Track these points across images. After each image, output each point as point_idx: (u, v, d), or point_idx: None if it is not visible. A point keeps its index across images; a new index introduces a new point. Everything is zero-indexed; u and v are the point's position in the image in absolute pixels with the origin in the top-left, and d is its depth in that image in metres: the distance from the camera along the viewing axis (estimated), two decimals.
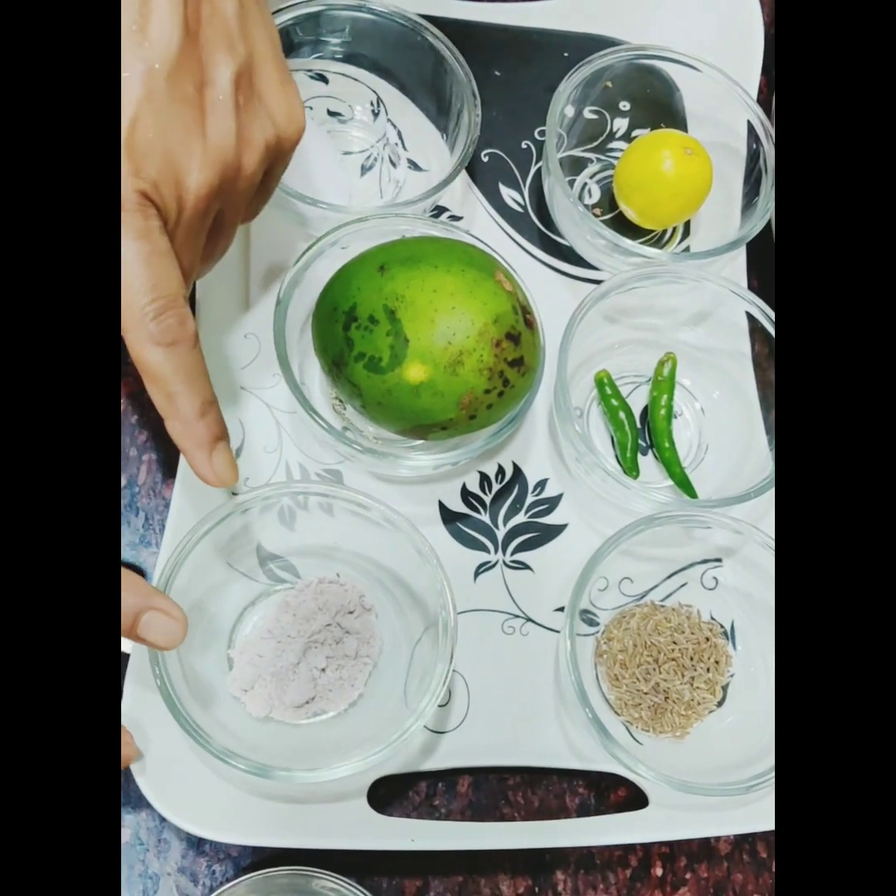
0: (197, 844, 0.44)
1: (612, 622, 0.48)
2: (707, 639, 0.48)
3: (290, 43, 0.50)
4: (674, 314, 0.51)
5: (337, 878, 0.41)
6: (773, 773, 0.43)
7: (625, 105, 0.56)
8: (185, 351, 0.37)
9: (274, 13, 0.48)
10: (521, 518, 0.49)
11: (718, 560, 0.49)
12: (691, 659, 0.47)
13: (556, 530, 0.49)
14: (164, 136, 0.35)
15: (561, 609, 0.48)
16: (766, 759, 0.44)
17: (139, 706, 0.42)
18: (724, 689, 0.48)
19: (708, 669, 0.47)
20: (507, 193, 0.54)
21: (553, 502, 0.50)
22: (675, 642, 0.47)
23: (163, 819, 0.42)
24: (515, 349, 0.42)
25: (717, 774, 0.44)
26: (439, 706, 0.43)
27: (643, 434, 0.52)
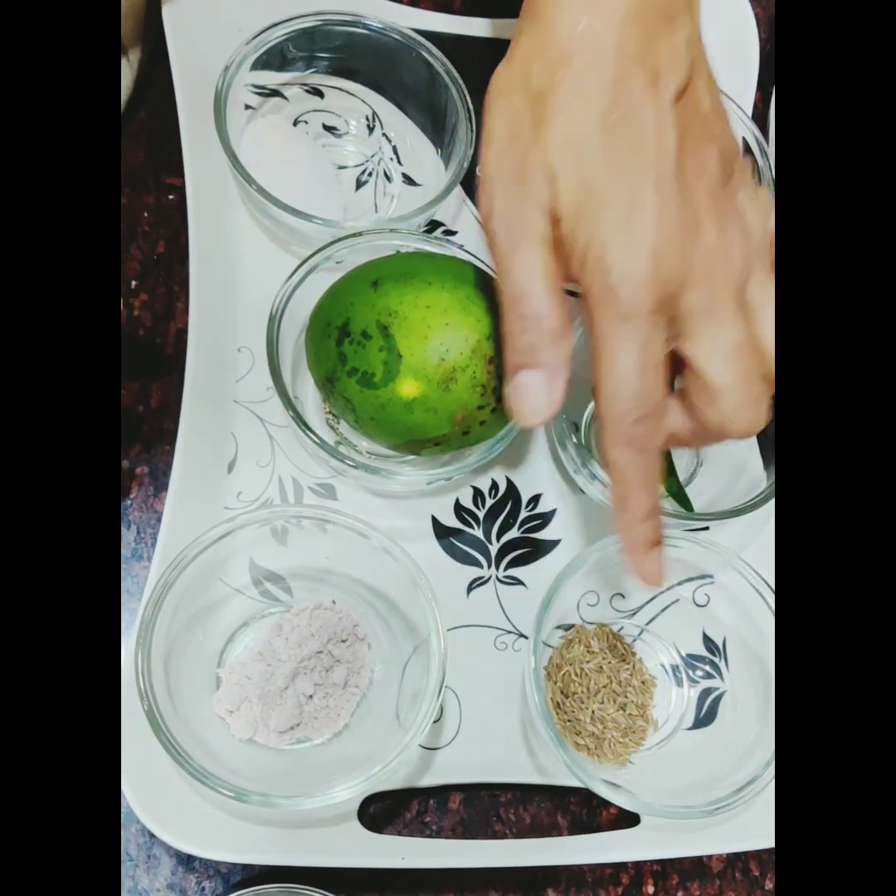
0: (186, 861, 0.44)
1: (561, 645, 0.47)
2: (624, 659, 0.47)
3: (284, 58, 0.50)
4: None
5: None
6: (757, 789, 0.42)
7: None
8: (651, 460, 0.37)
9: (268, 28, 0.48)
10: (514, 533, 0.49)
11: (710, 576, 0.49)
12: (620, 684, 0.46)
13: (549, 546, 0.49)
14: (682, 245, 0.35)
15: (557, 626, 0.47)
16: (763, 776, 0.44)
17: (126, 719, 0.41)
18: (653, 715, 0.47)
19: (636, 692, 0.46)
20: None
21: (547, 518, 0.49)
22: (601, 668, 0.46)
23: (152, 835, 0.42)
24: None
25: (705, 793, 0.43)
26: (433, 722, 0.43)
27: None
